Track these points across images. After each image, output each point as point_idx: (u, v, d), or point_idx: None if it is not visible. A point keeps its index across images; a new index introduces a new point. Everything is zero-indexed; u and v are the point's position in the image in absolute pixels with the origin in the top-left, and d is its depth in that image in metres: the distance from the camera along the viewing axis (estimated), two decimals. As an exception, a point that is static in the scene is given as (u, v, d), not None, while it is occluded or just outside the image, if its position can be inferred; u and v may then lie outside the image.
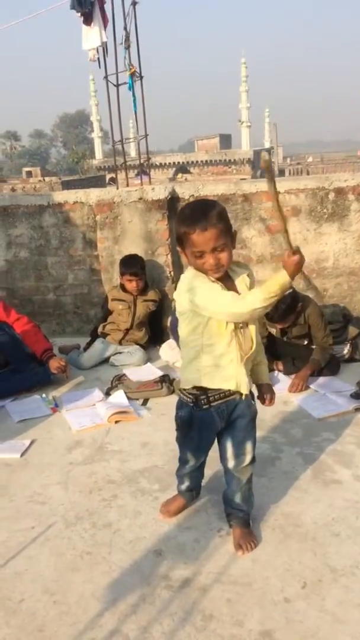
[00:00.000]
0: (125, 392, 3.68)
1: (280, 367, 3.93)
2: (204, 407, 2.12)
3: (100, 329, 4.59)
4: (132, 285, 4.44)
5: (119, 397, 3.64)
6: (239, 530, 2.25)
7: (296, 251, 1.81)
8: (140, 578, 2.11)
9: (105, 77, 4.76)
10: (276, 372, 3.90)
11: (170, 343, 4.32)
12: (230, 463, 2.21)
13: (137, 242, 4.77)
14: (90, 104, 61.68)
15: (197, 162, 44.48)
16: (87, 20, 4.60)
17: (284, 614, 1.90)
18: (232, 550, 2.21)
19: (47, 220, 5.08)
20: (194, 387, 2.12)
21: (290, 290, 3.71)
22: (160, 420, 3.37)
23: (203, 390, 2.10)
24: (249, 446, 2.19)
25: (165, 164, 43.44)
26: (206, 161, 44.08)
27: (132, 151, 17.32)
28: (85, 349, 4.53)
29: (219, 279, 1.97)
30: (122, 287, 4.52)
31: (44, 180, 36.18)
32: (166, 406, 3.51)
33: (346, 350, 4.08)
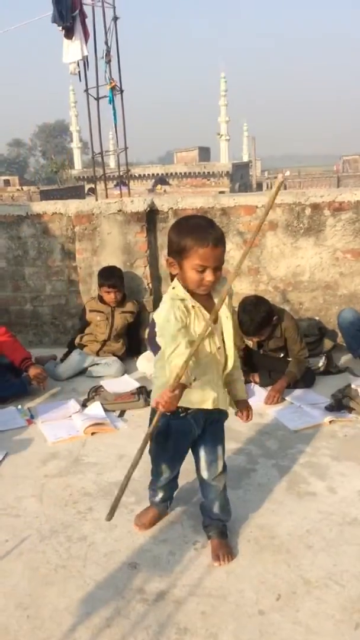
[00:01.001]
0: (102, 404, 3.67)
1: (257, 379, 3.96)
2: (181, 415, 2.13)
3: (77, 340, 4.58)
4: (110, 297, 4.44)
5: (95, 408, 3.63)
6: (217, 542, 2.26)
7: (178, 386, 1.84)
8: (115, 591, 2.10)
9: (86, 90, 4.79)
10: (252, 384, 3.94)
11: (147, 355, 4.33)
12: (205, 473, 2.23)
13: (115, 253, 4.79)
14: (70, 114, 61.69)
15: (176, 174, 44.74)
16: (69, 34, 4.63)
17: (259, 626, 1.91)
18: (206, 563, 2.22)
19: (26, 230, 5.07)
20: None
21: (265, 303, 3.77)
22: (137, 432, 3.36)
23: None
24: (219, 451, 2.23)
25: (144, 175, 43.62)
26: (185, 173, 44.37)
27: (111, 162, 17.35)
28: (62, 360, 4.52)
29: (199, 296, 2.00)
30: (100, 299, 4.52)
31: (22, 189, 36.05)
32: (143, 418, 3.51)
33: (321, 362, 4.13)
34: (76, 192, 35.74)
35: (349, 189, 4.78)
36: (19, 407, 3.76)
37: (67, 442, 3.28)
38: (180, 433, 2.19)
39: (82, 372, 4.41)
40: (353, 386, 3.53)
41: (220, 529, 2.29)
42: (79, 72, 4.83)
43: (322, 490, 2.68)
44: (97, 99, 4.82)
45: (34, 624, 1.97)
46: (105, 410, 3.62)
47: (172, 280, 2.10)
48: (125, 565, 2.23)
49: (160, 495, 2.43)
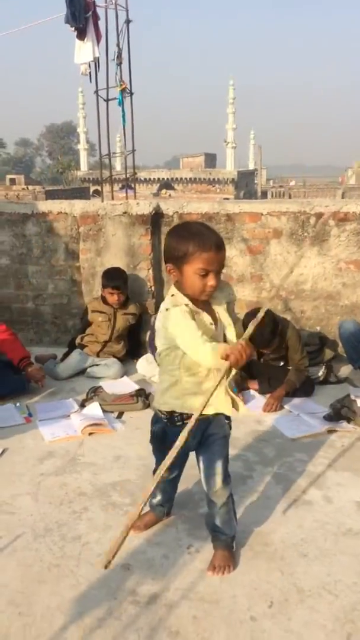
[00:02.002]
0: (101, 405, 3.67)
1: (256, 386, 3.96)
2: (177, 423, 2.12)
3: (78, 340, 4.58)
4: (113, 299, 4.45)
5: (93, 409, 3.63)
6: (220, 553, 2.22)
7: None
8: (108, 592, 2.10)
9: (96, 91, 4.81)
10: (251, 390, 3.94)
11: (147, 357, 4.33)
12: (204, 486, 2.20)
13: (119, 255, 4.80)
14: (78, 115, 61.92)
15: (181, 179, 44.89)
16: (81, 35, 4.66)
17: (250, 632, 1.91)
18: (200, 567, 2.21)
19: (30, 229, 5.08)
20: (167, 411, 2.14)
21: (269, 315, 3.76)
22: (135, 434, 3.36)
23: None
24: (219, 466, 2.17)
25: (150, 179, 43.74)
26: (190, 179, 44.50)
27: (117, 165, 17.41)
28: (62, 360, 4.52)
29: (200, 303, 1.99)
30: (103, 299, 4.52)
31: (27, 188, 36.13)
32: (141, 420, 3.51)
33: (321, 372, 4.13)
34: (81, 194, 35.81)
35: (354, 200, 4.79)
36: (18, 404, 3.76)
37: (65, 441, 3.28)
38: (174, 441, 2.17)
39: (82, 372, 4.41)
40: (352, 397, 3.52)
41: (224, 541, 2.24)
42: (90, 73, 4.85)
43: (318, 499, 2.68)
44: (107, 100, 4.84)
45: (25, 622, 1.96)
46: (104, 411, 3.62)
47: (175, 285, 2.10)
48: (119, 567, 2.22)
49: (158, 497, 2.42)
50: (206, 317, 2.01)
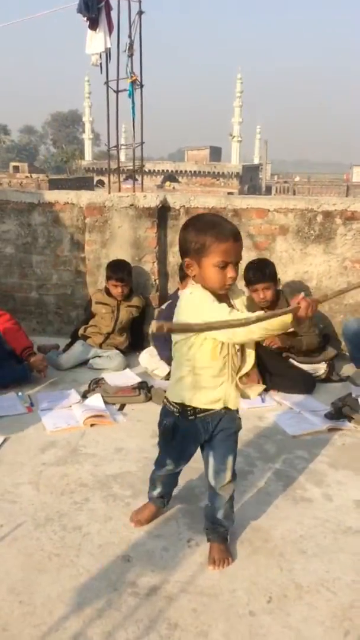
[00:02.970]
0: (103, 396, 3.68)
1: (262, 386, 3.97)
2: (190, 417, 2.12)
3: (81, 331, 4.59)
4: (117, 291, 4.45)
5: (96, 400, 3.64)
6: (217, 546, 2.23)
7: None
8: (108, 583, 2.11)
9: (106, 82, 4.79)
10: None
11: (150, 350, 4.33)
12: (212, 481, 2.20)
13: (124, 247, 4.79)
14: (84, 105, 61.63)
15: (185, 171, 44.75)
16: (93, 25, 4.63)
17: (249, 627, 1.92)
18: (200, 561, 2.23)
19: (36, 218, 5.07)
20: (178, 403, 2.13)
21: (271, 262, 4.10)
22: (136, 426, 3.38)
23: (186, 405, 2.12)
24: (229, 461, 2.18)
25: (154, 171, 43.61)
26: (195, 172, 44.37)
27: (122, 156, 17.33)
28: (64, 350, 4.52)
29: (219, 297, 1.96)
30: (107, 291, 4.53)
31: (31, 176, 35.99)
32: (143, 413, 3.53)
33: (323, 370, 4.14)
34: (85, 183, 35.73)
35: (361, 199, 4.78)
36: (20, 393, 3.77)
37: (66, 432, 3.29)
38: (186, 435, 2.17)
39: (84, 363, 4.42)
40: (354, 395, 3.54)
41: (222, 534, 2.27)
42: (101, 64, 4.83)
43: (318, 497, 2.69)
44: (117, 91, 4.82)
45: (25, 610, 1.98)
46: (106, 402, 3.62)
47: (181, 280, 2.09)
48: (119, 558, 2.24)
49: (158, 489, 2.43)
50: None
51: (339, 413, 3.47)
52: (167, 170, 44.50)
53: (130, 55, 4.66)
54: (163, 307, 4.45)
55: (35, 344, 4.55)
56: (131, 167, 5.33)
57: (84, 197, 4.91)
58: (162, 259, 4.84)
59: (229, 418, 2.14)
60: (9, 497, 2.65)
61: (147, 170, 39.12)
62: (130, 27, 4.62)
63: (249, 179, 45.62)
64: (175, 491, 2.55)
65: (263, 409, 3.63)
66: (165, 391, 2.30)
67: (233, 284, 1.97)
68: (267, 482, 2.81)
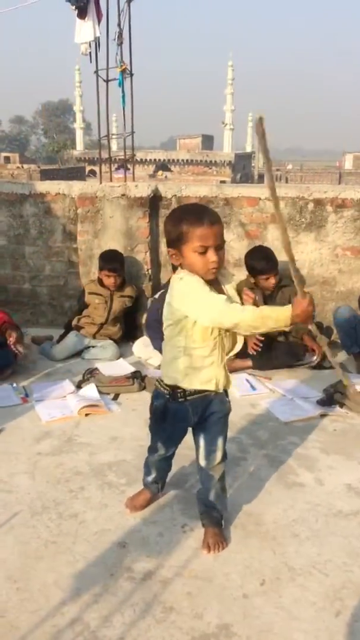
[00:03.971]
0: (97, 386, 3.70)
1: (248, 363, 4.01)
2: (180, 399, 2.15)
3: (74, 322, 4.60)
4: (110, 281, 4.46)
5: (90, 390, 3.67)
6: (211, 530, 2.27)
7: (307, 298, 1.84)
8: (104, 569, 2.15)
9: (96, 71, 4.77)
10: (245, 372, 3.98)
11: (144, 340, 4.36)
12: (203, 462, 2.24)
13: (117, 237, 4.80)
14: (75, 94, 61.09)
15: (178, 160, 44.51)
16: (82, 14, 4.60)
17: (242, 609, 1.97)
18: (194, 546, 2.27)
19: (28, 209, 5.06)
20: (171, 385, 2.15)
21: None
22: (130, 415, 3.41)
23: (179, 387, 2.14)
24: (220, 442, 2.22)
25: (146, 160, 43.38)
26: (187, 160, 44.14)
27: (114, 145, 17.24)
28: (58, 341, 4.54)
29: (209, 283, 1.98)
30: (100, 282, 4.54)
31: (22, 167, 35.74)
32: (137, 402, 3.56)
33: (315, 357, 4.18)
34: (77, 173, 35.49)
35: (352, 187, 4.80)
36: (14, 385, 3.79)
37: (61, 422, 3.31)
38: (176, 418, 2.20)
39: (78, 354, 4.44)
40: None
41: (215, 519, 2.30)
42: (90, 53, 4.80)
43: (310, 481, 2.74)
44: (107, 80, 4.80)
45: (23, 597, 2.01)
46: (100, 392, 3.65)
47: (174, 269, 2.12)
48: (115, 545, 2.27)
49: (153, 474, 2.47)
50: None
51: (330, 399, 3.51)
52: (159, 160, 44.28)
53: (120, 44, 4.64)
54: (156, 296, 4.47)
55: (29, 335, 4.57)
56: (122, 157, 5.32)
57: (75, 188, 4.90)
58: (154, 248, 4.86)
59: (218, 401, 2.17)
60: (5, 487, 2.67)
61: (138, 159, 38.92)
62: (119, 15, 4.59)
63: (242, 167, 45.46)
64: (169, 478, 2.58)
65: (255, 397, 3.67)
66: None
67: (219, 268, 1.98)
68: (259, 467, 2.85)
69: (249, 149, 56.57)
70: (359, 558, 2.21)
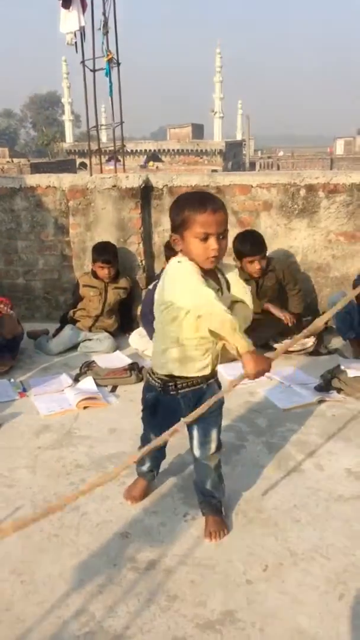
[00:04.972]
0: (94, 379, 3.70)
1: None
2: (171, 392, 2.15)
3: (70, 315, 4.59)
4: (103, 273, 4.45)
5: (87, 383, 3.67)
6: (212, 518, 2.28)
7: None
8: (107, 560, 2.16)
9: (82, 62, 4.72)
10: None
11: (140, 331, 4.35)
12: (197, 452, 2.24)
13: (109, 229, 4.78)
14: (62, 85, 60.51)
15: (168, 150, 44.28)
16: (66, 3, 4.54)
17: (246, 595, 1.98)
18: (196, 534, 2.28)
19: (19, 203, 5.03)
20: (165, 375, 2.15)
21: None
22: (129, 407, 3.41)
23: (172, 377, 2.13)
24: (214, 434, 2.21)
25: (136, 150, 43.14)
26: (178, 150, 43.91)
27: (103, 136, 17.14)
28: (54, 335, 4.53)
29: (207, 272, 1.96)
30: (94, 274, 4.52)
31: (12, 161, 35.45)
32: (135, 393, 3.55)
33: (311, 343, 4.18)
34: (68, 166, 35.24)
35: (343, 172, 4.79)
36: (12, 380, 3.79)
37: (60, 416, 3.32)
38: (168, 410, 2.19)
39: (74, 347, 4.43)
40: (342, 367, 3.59)
41: (215, 506, 2.31)
42: (76, 43, 4.75)
43: (309, 467, 2.75)
44: (94, 70, 4.75)
45: (27, 589, 2.02)
46: (98, 385, 3.65)
47: (167, 259, 2.11)
48: (117, 535, 2.29)
49: (147, 464, 2.47)
50: (212, 284, 1.98)
51: (328, 385, 3.53)
52: (150, 150, 44.03)
53: (106, 33, 4.58)
54: (150, 287, 4.46)
55: (25, 329, 4.55)
56: (112, 148, 5.28)
57: (65, 180, 4.87)
58: (147, 239, 4.84)
59: (210, 393, 2.14)
60: (6, 482, 2.68)
61: (129, 150, 38.68)
62: (104, 4, 4.53)
63: (233, 156, 45.25)
64: (169, 468, 2.59)
65: (253, 385, 3.66)
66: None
67: (219, 257, 1.95)
68: (259, 455, 2.87)
69: (239, 137, 56.30)
70: (360, 541, 2.23)
